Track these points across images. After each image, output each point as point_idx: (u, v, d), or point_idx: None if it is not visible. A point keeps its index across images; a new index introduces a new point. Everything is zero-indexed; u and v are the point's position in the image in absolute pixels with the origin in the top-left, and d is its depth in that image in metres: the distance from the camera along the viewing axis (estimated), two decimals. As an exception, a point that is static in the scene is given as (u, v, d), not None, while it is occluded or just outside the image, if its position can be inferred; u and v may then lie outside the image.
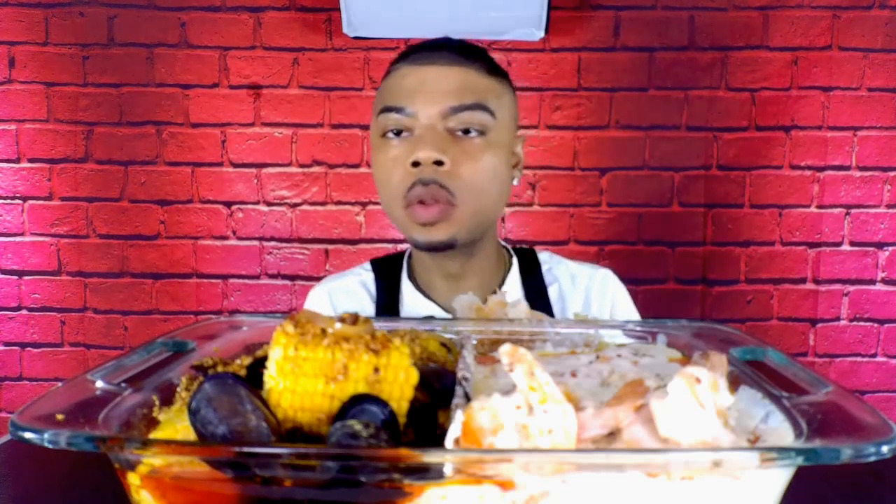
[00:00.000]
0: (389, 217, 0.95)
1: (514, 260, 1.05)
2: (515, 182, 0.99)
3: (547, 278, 1.05)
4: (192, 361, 0.56)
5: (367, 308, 1.04)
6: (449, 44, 0.94)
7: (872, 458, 0.37)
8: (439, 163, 0.87)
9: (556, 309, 1.02)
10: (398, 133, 0.90)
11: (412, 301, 1.02)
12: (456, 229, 0.90)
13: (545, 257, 1.08)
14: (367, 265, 1.09)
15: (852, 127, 1.91)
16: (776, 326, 1.96)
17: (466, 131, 0.89)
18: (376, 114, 0.93)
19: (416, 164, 0.87)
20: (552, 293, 1.03)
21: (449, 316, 0.96)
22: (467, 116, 0.88)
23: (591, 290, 1.04)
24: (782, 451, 0.37)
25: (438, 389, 0.48)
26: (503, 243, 1.08)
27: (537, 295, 1.02)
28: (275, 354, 0.44)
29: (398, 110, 0.89)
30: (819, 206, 1.93)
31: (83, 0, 1.90)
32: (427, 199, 0.87)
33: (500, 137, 0.92)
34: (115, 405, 0.46)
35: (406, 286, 1.03)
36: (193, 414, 0.41)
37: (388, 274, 1.06)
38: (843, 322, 1.96)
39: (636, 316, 1.06)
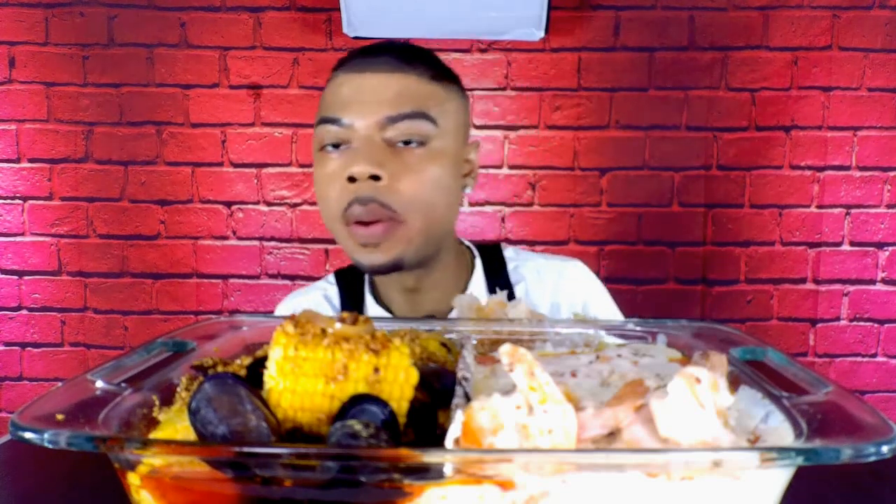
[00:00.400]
0: (333, 236, 0.89)
1: (478, 262, 1.00)
2: (468, 190, 0.94)
3: (513, 277, 1.00)
4: (192, 361, 0.56)
5: None
6: (390, 48, 0.88)
7: (872, 458, 0.37)
8: (376, 178, 0.81)
9: None
10: (336, 146, 0.85)
11: (374, 315, 0.98)
12: (402, 249, 0.85)
13: (511, 254, 1.03)
14: (332, 277, 1.05)
15: (852, 127, 1.91)
16: (776, 326, 1.96)
17: (407, 142, 0.84)
18: (315, 125, 0.88)
19: (352, 179, 0.82)
20: (518, 292, 0.99)
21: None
22: (406, 126, 0.83)
23: (559, 286, 1.00)
24: (782, 451, 0.37)
25: (438, 389, 0.48)
26: (466, 243, 1.03)
27: None
28: (275, 354, 0.44)
29: (334, 121, 0.84)
30: (819, 206, 1.93)
31: (83, 0, 1.90)
32: (366, 219, 0.82)
33: (445, 146, 0.87)
34: (115, 405, 0.46)
35: (368, 299, 0.99)
36: (193, 414, 0.41)
37: (351, 286, 1.01)
38: (843, 322, 1.96)
39: (613, 308, 1.02)
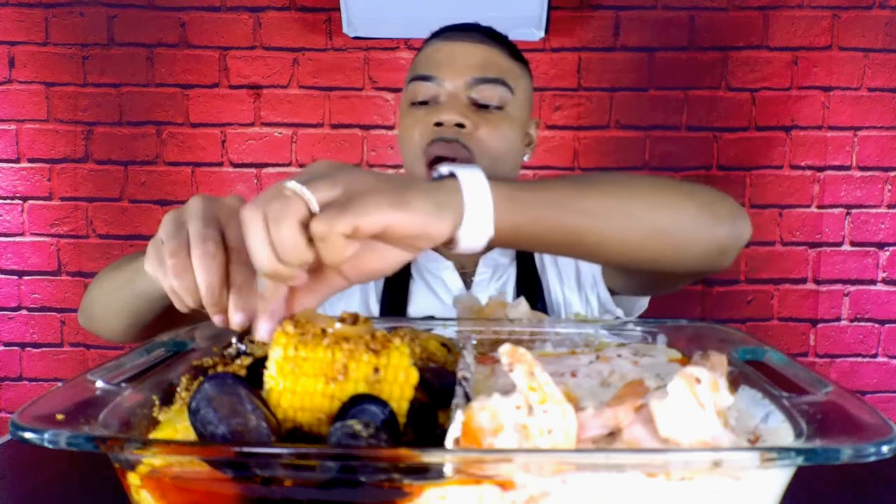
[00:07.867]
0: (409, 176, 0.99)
1: None
2: (527, 158, 1.06)
3: None
4: (192, 361, 0.56)
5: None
6: (479, 27, 1.04)
7: (872, 458, 0.37)
8: (461, 126, 0.94)
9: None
10: (424, 103, 0.98)
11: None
12: None
13: None
14: None
15: (852, 127, 1.90)
16: (777, 327, 1.96)
17: (486, 107, 0.96)
18: (407, 82, 1.01)
19: (438, 124, 0.94)
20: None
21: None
22: (488, 89, 0.96)
23: None
24: (782, 451, 0.37)
25: (438, 389, 0.48)
26: None
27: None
28: (275, 354, 0.44)
29: (427, 78, 0.97)
30: (819, 206, 1.93)
31: (83, 0, 1.90)
32: (446, 154, 0.93)
33: (517, 113, 1.00)
34: (115, 405, 0.46)
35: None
36: (193, 414, 0.41)
37: None
38: (843, 322, 1.96)
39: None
